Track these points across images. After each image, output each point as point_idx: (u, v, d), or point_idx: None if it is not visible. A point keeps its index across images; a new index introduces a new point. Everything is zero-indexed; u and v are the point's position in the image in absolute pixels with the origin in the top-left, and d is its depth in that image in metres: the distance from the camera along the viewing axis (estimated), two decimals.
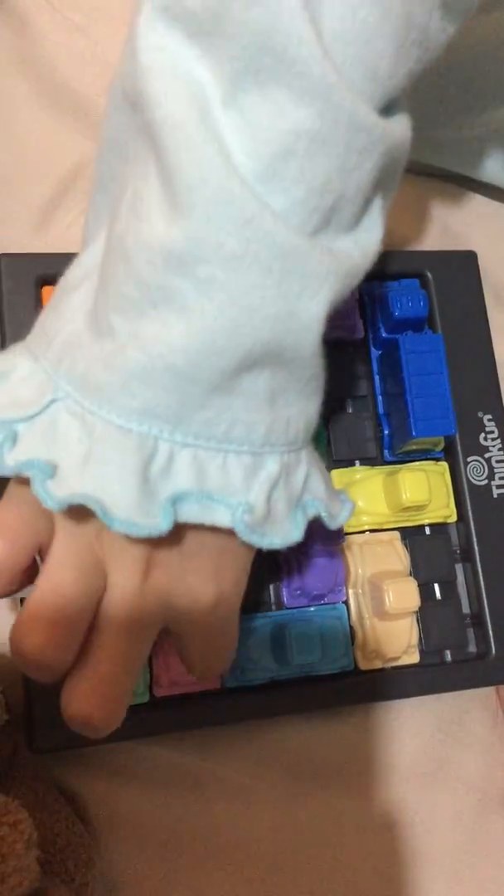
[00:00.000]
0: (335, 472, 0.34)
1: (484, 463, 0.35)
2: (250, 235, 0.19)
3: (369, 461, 0.34)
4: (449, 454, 0.35)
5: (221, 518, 0.20)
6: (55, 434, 0.21)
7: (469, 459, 0.35)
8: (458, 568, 0.35)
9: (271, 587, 0.32)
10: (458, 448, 0.35)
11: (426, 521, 0.34)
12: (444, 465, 0.35)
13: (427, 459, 0.35)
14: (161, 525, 0.20)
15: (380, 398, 0.35)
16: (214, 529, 0.21)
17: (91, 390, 0.21)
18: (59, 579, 0.21)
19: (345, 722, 0.34)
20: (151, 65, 0.20)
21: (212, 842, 0.31)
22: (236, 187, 0.19)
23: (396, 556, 0.33)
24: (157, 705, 0.30)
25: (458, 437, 0.35)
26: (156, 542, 0.21)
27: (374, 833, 0.33)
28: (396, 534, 0.34)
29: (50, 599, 0.21)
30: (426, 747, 0.34)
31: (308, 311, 0.20)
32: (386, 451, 0.35)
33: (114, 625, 0.21)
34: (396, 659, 0.32)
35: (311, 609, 0.31)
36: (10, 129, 0.37)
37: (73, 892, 0.27)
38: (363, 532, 0.33)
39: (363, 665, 0.32)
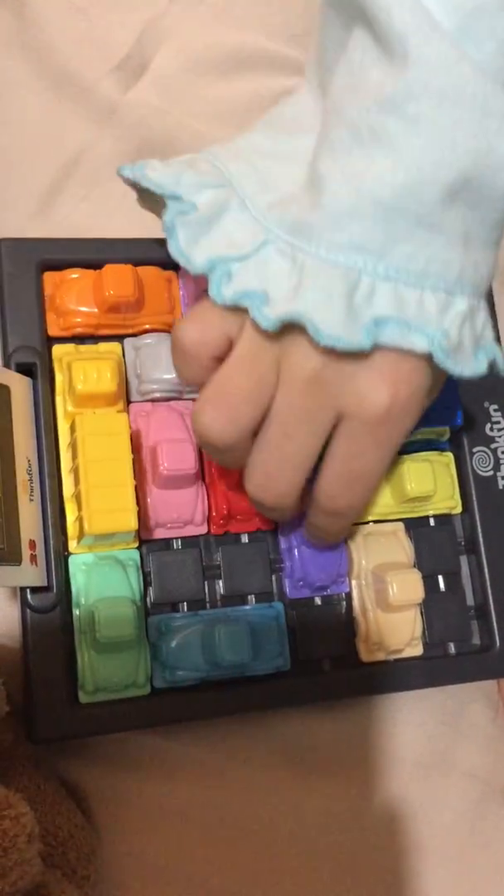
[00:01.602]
0: None
1: (490, 454, 0.35)
2: (454, 76, 0.21)
3: None
4: (454, 445, 0.35)
5: (419, 342, 0.22)
6: (266, 270, 0.23)
7: (475, 450, 0.34)
8: (463, 559, 0.34)
9: (273, 577, 0.32)
10: (464, 439, 0.34)
11: (431, 513, 0.34)
12: (450, 455, 0.34)
13: (432, 450, 0.34)
14: (364, 342, 0.22)
15: None
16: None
17: (302, 230, 0.23)
18: (234, 371, 0.23)
19: (347, 713, 0.33)
20: None
21: (213, 832, 0.31)
22: (439, 37, 0.21)
23: (401, 547, 0.33)
24: (158, 696, 0.29)
25: (463, 427, 0.34)
26: (328, 350, 0.22)
27: (376, 824, 0.33)
28: (401, 525, 0.34)
29: (222, 386, 0.23)
30: (428, 739, 0.34)
31: (502, 147, 0.22)
32: None
33: (280, 416, 0.23)
34: (400, 651, 0.32)
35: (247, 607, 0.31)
36: (11, 112, 0.36)
37: (74, 884, 0.27)
38: (367, 523, 0.33)
39: (366, 657, 0.32)
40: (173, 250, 0.24)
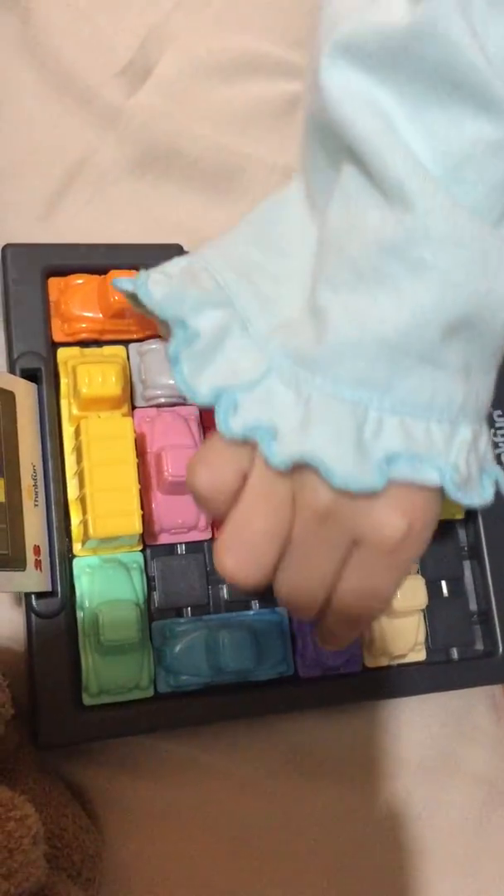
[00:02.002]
0: None
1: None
2: (452, 221, 0.22)
3: None
4: None
5: (431, 477, 0.22)
6: (272, 402, 0.23)
7: None
8: (466, 565, 0.34)
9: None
10: None
11: None
12: None
13: None
14: (377, 482, 0.22)
15: None
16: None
17: (305, 362, 0.23)
18: (250, 512, 0.23)
19: (351, 717, 0.34)
20: (338, 96, 0.23)
21: (218, 835, 0.31)
22: (433, 184, 0.22)
23: None
24: (162, 701, 0.30)
25: None
26: (344, 493, 0.23)
27: (380, 827, 0.33)
28: None
29: (240, 531, 0.23)
30: (432, 742, 0.34)
31: (502, 287, 0.23)
32: None
33: (299, 543, 0.23)
34: (403, 656, 0.32)
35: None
36: (15, 117, 0.37)
37: (79, 886, 0.27)
38: None
39: (369, 663, 0.32)
40: (178, 382, 0.24)
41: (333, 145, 0.25)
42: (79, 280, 0.31)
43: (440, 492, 0.23)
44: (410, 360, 0.23)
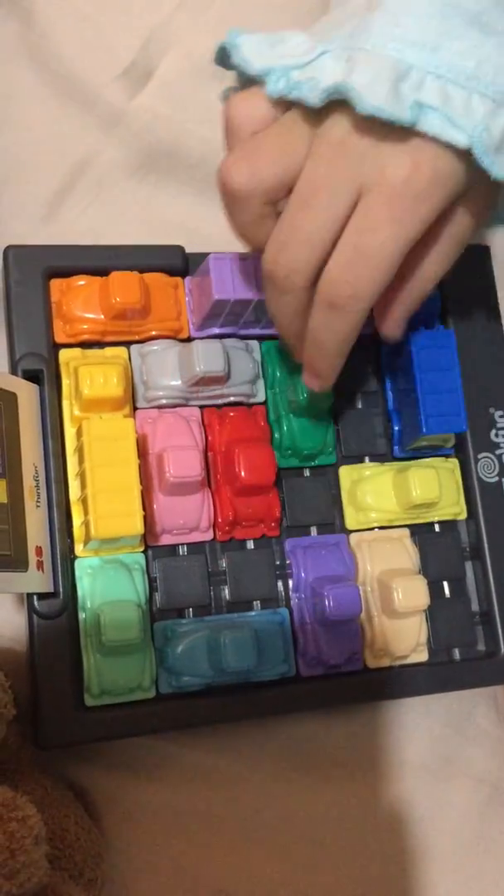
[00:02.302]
0: (344, 469, 0.34)
1: (495, 460, 0.35)
2: None
3: (379, 458, 0.34)
4: (459, 451, 0.35)
5: (459, 137, 0.22)
6: (322, 71, 0.23)
7: (480, 456, 0.34)
8: (468, 566, 0.34)
9: (278, 583, 0.32)
10: (469, 445, 0.34)
11: (436, 519, 0.34)
12: (455, 461, 0.34)
13: (437, 456, 0.35)
14: (405, 115, 0.22)
15: (390, 394, 0.34)
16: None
17: (359, 33, 0.23)
18: (266, 136, 0.24)
19: (353, 717, 0.34)
20: None
21: (220, 835, 0.31)
22: None
23: (406, 553, 0.33)
24: (164, 702, 0.30)
25: (468, 433, 0.34)
26: (359, 125, 0.23)
27: (382, 827, 0.33)
28: (406, 531, 0.34)
29: (252, 144, 0.24)
30: (434, 743, 0.34)
31: None
32: (395, 448, 0.34)
33: (302, 184, 0.24)
34: (405, 657, 0.32)
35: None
36: (17, 119, 0.37)
37: (81, 886, 0.27)
38: (372, 529, 0.33)
39: (371, 663, 0.32)
40: (235, 59, 0.25)
41: None
42: (81, 281, 0.31)
43: (462, 161, 0.23)
44: (461, 19, 0.23)
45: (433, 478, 0.32)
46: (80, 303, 0.31)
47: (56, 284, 0.32)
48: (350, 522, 0.33)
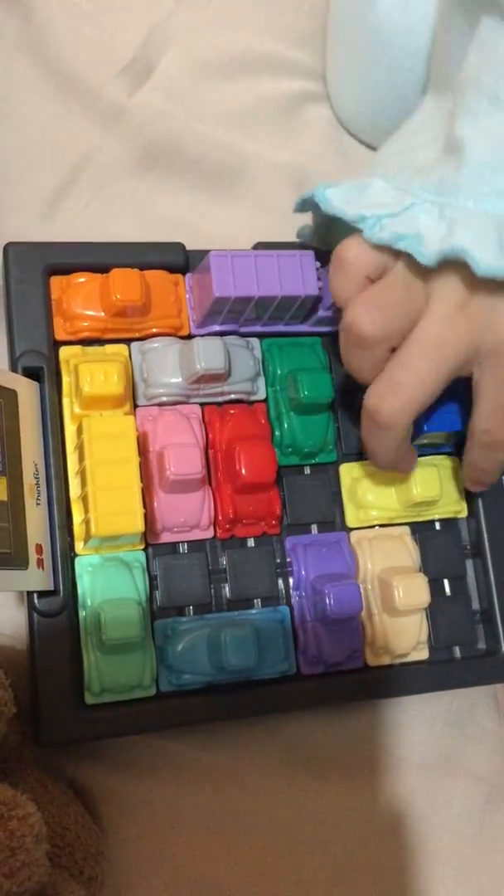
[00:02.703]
0: (344, 467, 0.34)
1: None
2: None
3: None
4: (461, 449, 0.35)
5: None
6: (417, 223, 0.25)
7: None
8: (469, 564, 0.34)
9: (279, 581, 0.32)
10: None
11: (437, 517, 0.34)
12: (456, 459, 0.34)
13: (438, 454, 0.35)
14: None
15: None
16: None
17: (447, 189, 0.25)
18: (390, 284, 0.26)
19: (353, 716, 0.34)
20: None
21: (220, 833, 0.31)
22: None
23: (406, 551, 0.33)
24: (164, 700, 0.30)
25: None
26: (476, 285, 0.25)
27: (383, 825, 0.33)
28: (406, 529, 0.34)
29: (380, 292, 0.26)
30: (434, 741, 0.34)
31: None
32: None
33: (419, 341, 0.26)
34: (405, 655, 0.32)
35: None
36: (17, 116, 0.37)
37: (82, 885, 0.27)
38: (373, 527, 0.33)
39: (372, 661, 0.32)
40: (325, 207, 0.27)
41: (472, 4, 0.27)
42: (81, 279, 0.31)
43: None
44: None
45: (434, 476, 0.32)
46: (81, 300, 0.31)
47: (56, 282, 0.31)
48: (350, 520, 0.33)
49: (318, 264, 0.31)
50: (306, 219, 0.37)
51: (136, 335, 0.32)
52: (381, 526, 0.33)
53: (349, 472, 0.33)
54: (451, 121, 0.27)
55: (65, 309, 0.31)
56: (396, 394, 0.26)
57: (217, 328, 0.32)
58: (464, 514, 0.34)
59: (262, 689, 0.30)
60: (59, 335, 0.31)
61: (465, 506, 0.34)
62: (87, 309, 0.31)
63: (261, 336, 0.33)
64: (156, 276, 0.32)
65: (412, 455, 0.31)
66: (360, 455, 0.34)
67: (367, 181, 0.27)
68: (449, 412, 0.32)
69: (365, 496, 0.33)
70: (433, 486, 0.32)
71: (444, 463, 0.34)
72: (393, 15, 0.34)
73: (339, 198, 0.27)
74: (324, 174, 0.39)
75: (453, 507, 0.34)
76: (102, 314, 0.31)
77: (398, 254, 0.26)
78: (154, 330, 0.32)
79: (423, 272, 0.26)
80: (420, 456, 0.34)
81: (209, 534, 0.31)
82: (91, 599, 0.29)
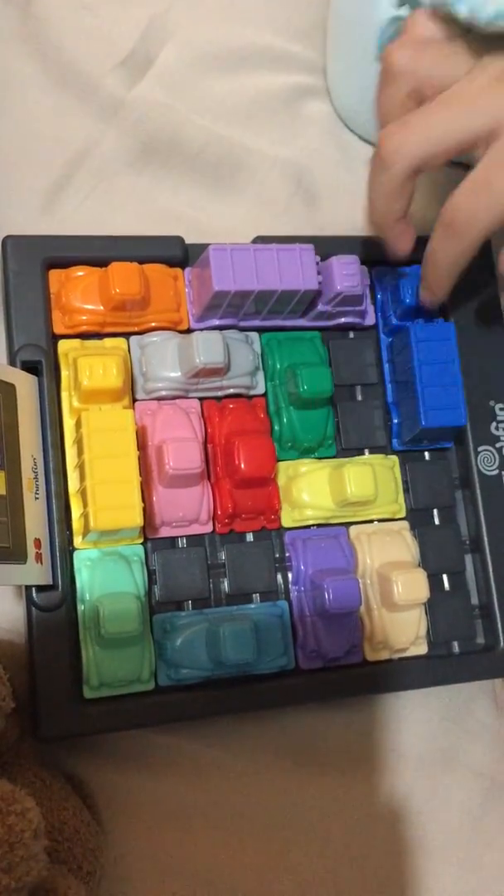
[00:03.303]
0: (281, 465, 0.32)
1: (495, 453, 0.34)
2: None
3: (379, 450, 0.34)
4: (459, 443, 0.35)
5: None
6: None
7: (480, 449, 0.34)
8: (468, 559, 0.34)
9: (278, 576, 0.32)
10: (469, 437, 0.34)
11: (373, 517, 0.33)
12: (394, 459, 0.34)
13: (436, 449, 0.34)
14: None
15: (389, 386, 0.34)
16: None
17: None
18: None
19: (352, 710, 0.34)
20: None
21: (218, 828, 0.31)
22: None
23: (405, 546, 0.33)
24: (163, 694, 0.30)
25: (468, 426, 0.34)
26: None
27: (381, 820, 0.33)
28: (406, 524, 0.34)
29: (417, 45, 0.27)
30: (433, 736, 0.34)
31: None
32: (395, 441, 0.34)
33: (445, 95, 0.26)
34: (404, 650, 0.32)
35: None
36: (16, 109, 0.36)
37: (80, 880, 0.27)
38: (309, 527, 0.32)
39: (370, 656, 0.32)
40: None
41: None
42: (80, 272, 0.31)
43: None
44: None
45: (368, 475, 0.31)
46: (79, 294, 0.31)
47: (55, 275, 0.31)
48: (286, 520, 0.32)
49: (318, 258, 0.31)
50: (302, 213, 0.37)
51: (135, 329, 0.32)
52: (318, 526, 0.32)
53: (285, 471, 0.32)
54: None
55: (63, 303, 0.31)
56: (404, 132, 0.26)
57: (216, 322, 0.32)
58: (401, 514, 0.33)
59: (261, 683, 0.30)
60: (58, 329, 0.31)
61: (403, 506, 0.33)
62: (85, 303, 0.31)
63: (260, 330, 0.33)
64: (155, 269, 0.32)
65: (407, 230, 0.30)
66: (359, 450, 0.34)
67: None
68: (448, 407, 0.32)
69: (300, 495, 0.32)
70: (367, 486, 0.31)
71: (380, 462, 0.33)
72: (393, 11, 0.34)
73: None
74: (324, 169, 0.39)
75: (390, 507, 0.33)
76: (101, 308, 0.31)
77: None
78: (153, 324, 0.32)
79: (475, 48, 0.26)
80: (418, 451, 0.34)
81: (208, 528, 0.31)
82: (90, 593, 0.29)
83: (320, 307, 0.33)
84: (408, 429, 0.33)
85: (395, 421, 0.34)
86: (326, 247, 0.32)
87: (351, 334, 0.35)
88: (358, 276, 0.32)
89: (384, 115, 0.29)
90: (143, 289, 0.30)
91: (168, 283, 0.32)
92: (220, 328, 0.32)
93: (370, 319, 0.34)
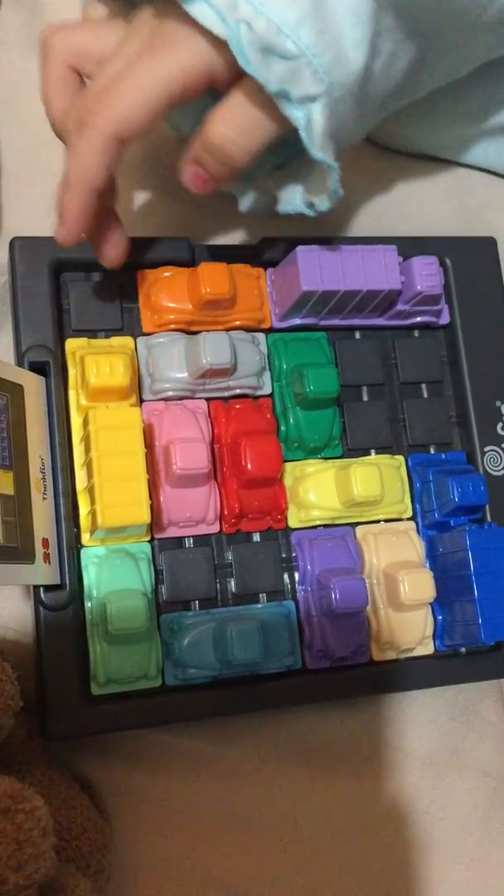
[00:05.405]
0: (288, 466, 0.32)
1: (501, 453, 0.34)
2: None
3: (385, 450, 0.34)
4: (466, 444, 0.35)
5: (219, 28, 0.24)
6: None
7: (486, 450, 0.34)
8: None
9: (285, 576, 0.32)
10: (475, 438, 0.34)
11: (380, 517, 0.33)
12: (400, 459, 0.34)
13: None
14: None
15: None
16: None
17: None
18: None
19: (358, 710, 0.34)
20: None
21: (225, 827, 0.31)
22: None
23: (412, 546, 0.33)
24: (170, 694, 0.30)
25: (474, 426, 0.34)
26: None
27: (387, 820, 0.33)
28: (412, 524, 0.34)
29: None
30: (440, 735, 0.34)
31: None
32: (437, 641, 0.32)
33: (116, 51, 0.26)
34: (411, 650, 0.32)
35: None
36: (24, 112, 0.37)
37: (88, 877, 0.27)
38: (315, 528, 0.32)
39: (377, 656, 0.32)
40: None
41: None
42: (167, 272, 0.32)
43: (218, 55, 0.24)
44: None
45: (375, 475, 0.31)
46: (167, 293, 0.31)
47: (142, 276, 0.32)
48: (292, 520, 0.32)
49: (401, 258, 0.32)
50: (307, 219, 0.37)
51: (221, 327, 0.32)
52: (325, 527, 0.32)
53: (291, 472, 0.33)
54: None
55: (152, 302, 0.31)
56: (105, 100, 0.25)
57: (298, 321, 0.33)
58: (408, 514, 0.33)
59: (268, 683, 0.30)
60: (147, 327, 0.32)
61: (409, 505, 0.33)
62: (174, 302, 0.31)
63: (340, 329, 0.34)
64: (239, 270, 0.32)
65: (115, 231, 0.29)
66: (365, 450, 0.34)
67: None
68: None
69: (307, 496, 0.32)
70: (374, 486, 0.31)
71: (387, 462, 0.33)
72: None
73: None
74: None
75: (397, 507, 0.33)
76: (189, 307, 0.31)
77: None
78: (238, 322, 0.32)
79: (130, 15, 0.26)
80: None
81: (215, 528, 0.31)
82: (97, 590, 0.29)
83: (399, 306, 0.33)
84: (459, 635, 0.32)
85: (439, 618, 0.32)
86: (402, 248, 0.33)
87: (357, 335, 0.35)
88: (437, 276, 0.32)
89: (46, 95, 0.28)
90: (232, 288, 0.31)
91: (251, 282, 0.33)
92: (302, 328, 0.32)
93: (445, 318, 0.35)
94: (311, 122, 0.25)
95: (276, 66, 0.24)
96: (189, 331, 0.32)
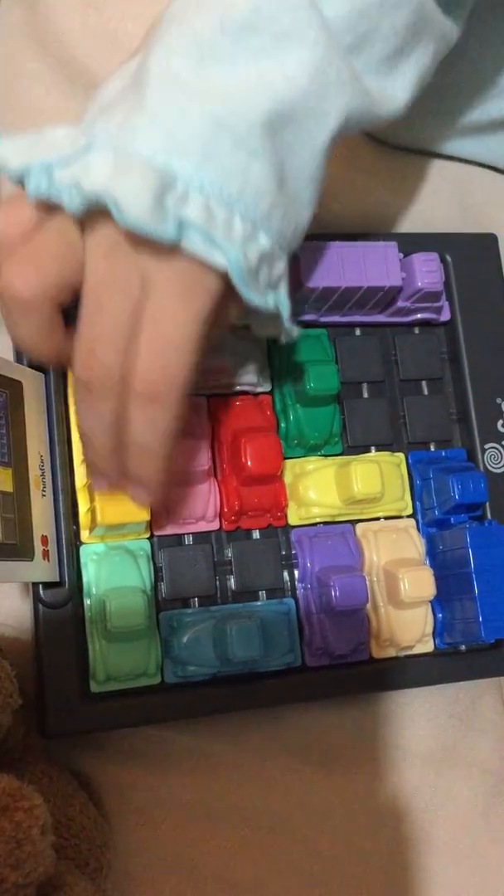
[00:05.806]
0: (288, 463, 0.32)
1: (501, 450, 0.34)
2: (301, 19, 0.23)
3: (385, 447, 0.34)
4: (466, 441, 0.35)
5: (219, 259, 0.22)
6: (88, 170, 0.22)
7: (486, 447, 0.34)
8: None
9: (284, 573, 0.32)
10: (476, 435, 0.34)
11: (380, 514, 0.33)
12: (400, 456, 0.34)
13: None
14: (169, 232, 0.22)
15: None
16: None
17: (123, 132, 0.23)
18: (44, 235, 0.24)
19: (358, 707, 0.34)
20: None
21: (225, 825, 0.31)
22: None
23: (412, 543, 0.33)
24: (169, 691, 0.30)
25: (474, 423, 0.34)
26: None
27: (387, 817, 0.33)
28: (412, 521, 0.34)
29: (33, 246, 0.24)
30: (439, 732, 0.34)
31: (331, 103, 0.24)
32: (437, 639, 0.32)
33: (89, 286, 0.24)
34: (411, 647, 0.32)
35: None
36: (24, 106, 0.36)
37: (87, 875, 0.27)
38: (315, 525, 0.32)
39: (377, 653, 0.32)
40: None
41: None
42: None
43: (222, 280, 0.23)
44: (231, 139, 0.22)
45: (375, 472, 0.31)
46: None
47: None
48: (292, 517, 0.32)
49: (402, 255, 0.31)
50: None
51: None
52: (325, 524, 0.32)
53: (291, 469, 0.32)
54: (145, 48, 0.24)
55: None
56: (97, 358, 0.23)
57: (298, 318, 0.32)
58: (408, 511, 0.33)
59: (268, 680, 0.30)
60: None
61: (409, 503, 0.33)
62: None
63: (339, 326, 0.33)
64: None
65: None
66: (365, 447, 0.34)
67: (53, 127, 0.24)
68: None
69: (307, 493, 0.32)
70: (374, 483, 0.31)
71: (387, 459, 0.33)
72: None
73: (11, 147, 0.23)
74: (330, 167, 0.39)
75: (397, 504, 0.33)
76: None
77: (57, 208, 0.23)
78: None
79: (80, 221, 0.23)
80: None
81: (215, 525, 0.31)
82: (96, 588, 0.29)
83: (400, 303, 0.33)
84: (459, 632, 0.31)
85: (439, 615, 0.32)
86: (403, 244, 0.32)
87: (357, 332, 0.35)
88: (438, 273, 0.32)
89: (36, 351, 0.25)
90: None
91: None
92: (302, 325, 0.32)
93: (445, 315, 0.34)
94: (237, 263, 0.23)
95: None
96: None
